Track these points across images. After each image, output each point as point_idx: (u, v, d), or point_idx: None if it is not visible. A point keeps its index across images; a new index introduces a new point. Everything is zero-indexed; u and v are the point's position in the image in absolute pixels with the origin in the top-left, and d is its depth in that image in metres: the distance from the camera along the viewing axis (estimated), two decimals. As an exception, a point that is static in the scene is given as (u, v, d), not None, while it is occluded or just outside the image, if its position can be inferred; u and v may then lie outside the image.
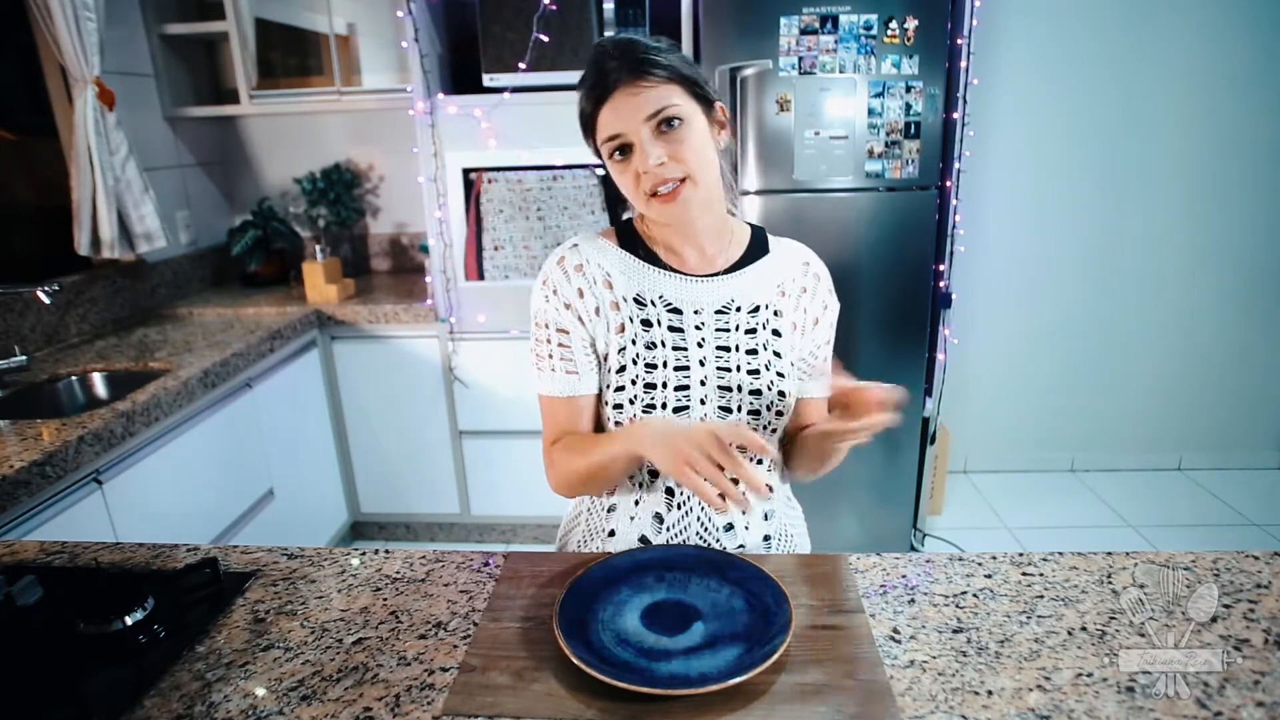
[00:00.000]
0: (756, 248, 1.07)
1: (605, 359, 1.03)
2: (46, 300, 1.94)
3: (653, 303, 1.02)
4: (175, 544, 1.05)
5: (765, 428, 1.03)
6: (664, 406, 1.00)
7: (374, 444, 2.65)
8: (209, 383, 1.90)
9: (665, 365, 1.01)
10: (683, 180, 0.93)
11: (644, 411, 1.00)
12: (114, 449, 1.59)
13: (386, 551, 1.01)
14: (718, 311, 1.03)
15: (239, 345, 2.06)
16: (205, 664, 0.80)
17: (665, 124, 0.92)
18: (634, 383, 1.01)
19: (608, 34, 0.97)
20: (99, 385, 2.00)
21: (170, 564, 0.99)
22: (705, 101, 0.96)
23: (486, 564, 0.97)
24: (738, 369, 1.02)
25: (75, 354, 2.08)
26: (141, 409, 1.65)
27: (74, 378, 1.98)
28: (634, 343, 1.01)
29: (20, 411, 1.80)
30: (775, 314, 1.05)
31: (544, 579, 0.93)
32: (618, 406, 1.02)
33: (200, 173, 2.84)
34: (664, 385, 1.00)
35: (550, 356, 1.04)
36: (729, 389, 1.01)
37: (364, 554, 1.01)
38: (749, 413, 1.01)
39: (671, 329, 1.02)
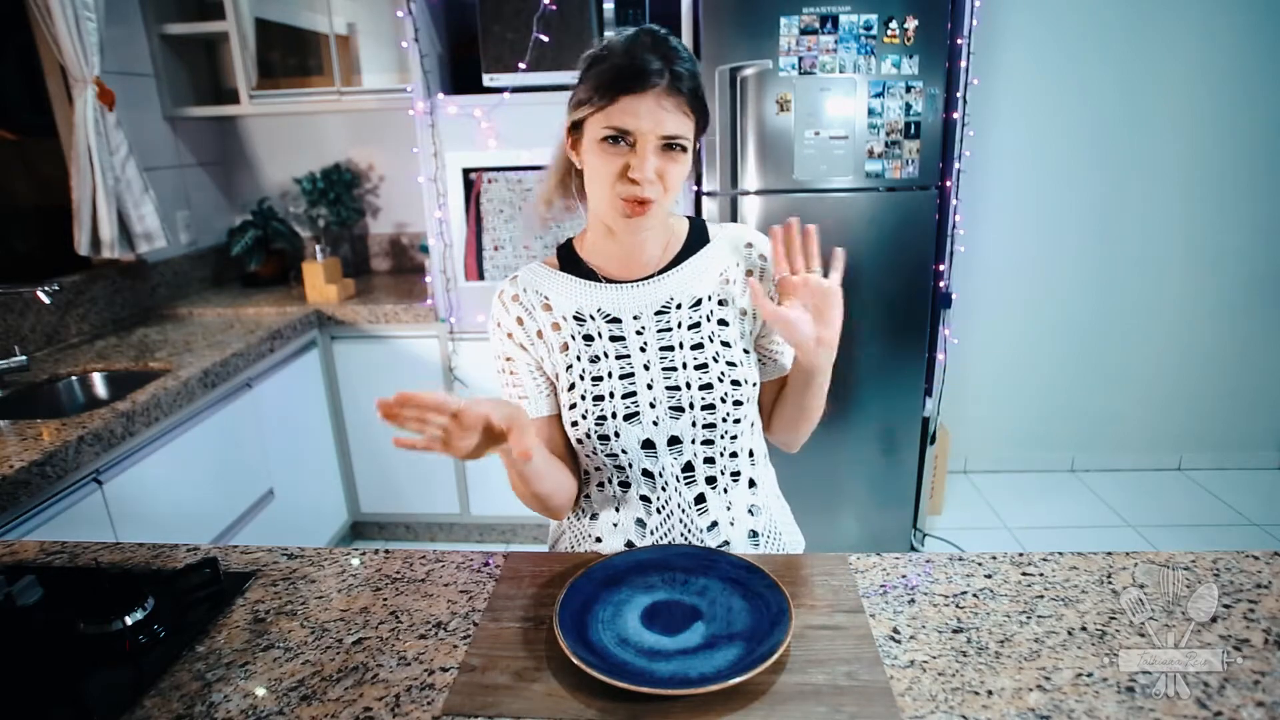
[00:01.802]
0: (695, 240, 1.06)
1: (557, 380, 1.04)
2: (46, 300, 1.94)
3: (591, 317, 1.03)
4: (175, 544, 1.05)
5: (726, 419, 1.02)
6: (614, 416, 1.00)
7: (374, 444, 2.65)
8: (209, 383, 1.90)
9: (610, 376, 1.01)
10: (652, 200, 0.93)
11: (596, 425, 1.00)
12: (114, 449, 1.59)
13: (386, 551, 1.01)
14: (657, 313, 1.03)
15: (239, 345, 2.06)
16: (205, 664, 0.80)
17: (669, 146, 0.92)
18: (583, 398, 1.01)
19: (645, 25, 0.95)
20: (99, 385, 2.00)
21: (170, 564, 0.99)
22: (700, 132, 0.97)
23: (486, 564, 0.97)
24: (684, 366, 1.01)
25: (75, 354, 2.08)
26: (141, 409, 1.65)
27: (74, 378, 1.98)
28: (579, 359, 1.02)
29: (20, 411, 1.80)
30: (720, 303, 1.04)
31: (544, 579, 0.93)
32: (573, 424, 1.02)
33: (200, 173, 2.84)
34: (611, 396, 1.00)
35: (506, 385, 1.06)
36: (677, 388, 1.01)
37: (364, 554, 1.01)
38: (703, 408, 1.01)
39: (613, 339, 1.02)
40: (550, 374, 1.05)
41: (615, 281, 1.04)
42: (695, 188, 2.28)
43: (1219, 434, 3.08)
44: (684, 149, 0.92)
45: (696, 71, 0.94)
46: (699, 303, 1.03)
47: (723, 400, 1.01)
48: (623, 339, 1.02)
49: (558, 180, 1.09)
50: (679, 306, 1.03)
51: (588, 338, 1.02)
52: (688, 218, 1.09)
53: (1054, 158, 2.82)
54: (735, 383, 1.02)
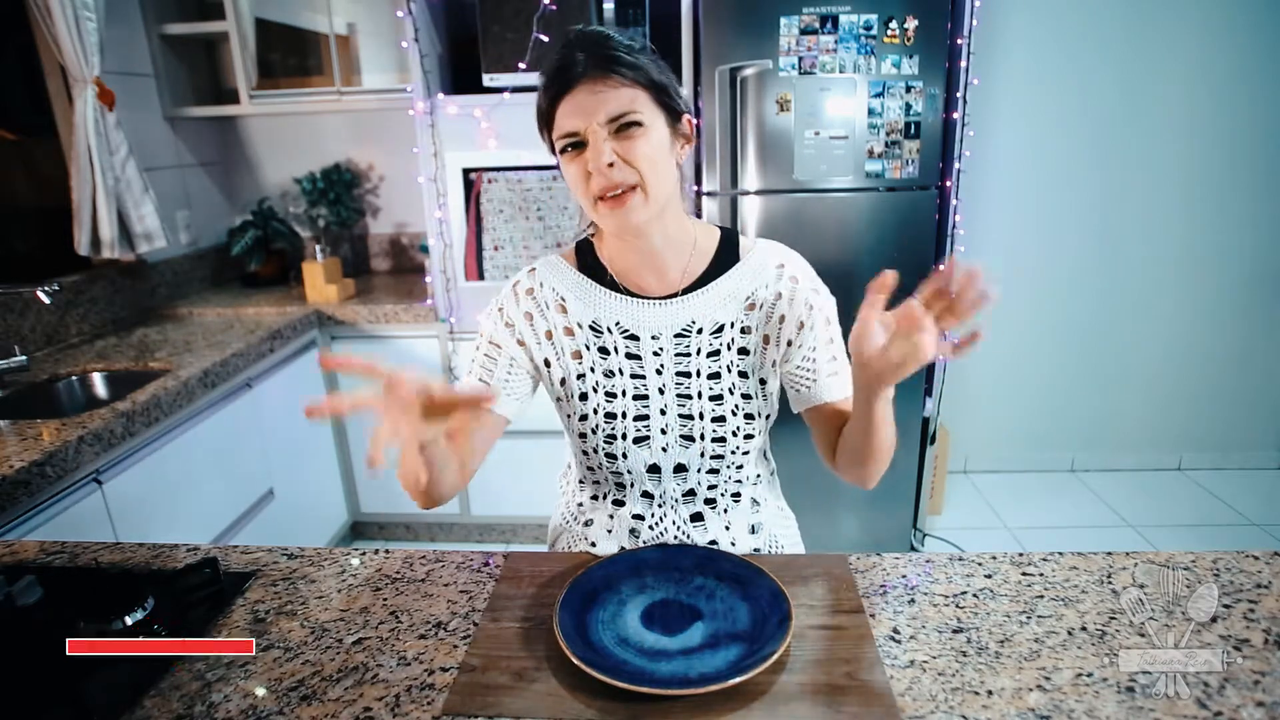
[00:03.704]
0: (724, 257, 1.00)
1: (564, 383, 1.01)
2: (46, 300, 1.94)
3: (609, 329, 0.98)
4: (175, 544, 1.05)
5: (735, 451, 0.99)
6: (624, 437, 0.99)
7: (374, 444, 2.65)
8: (209, 383, 1.90)
9: (624, 394, 0.98)
10: (633, 188, 0.87)
11: (605, 442, 0.98)
12: (114, 449, 1.59)
13: (386, 551, 1.01)
14: (677, 336, 0.98)
15: (239, 345, 2.06)
16: (205, 664, 0.80)
17: (622, 127, 0.86)
18: (595, 411, 0.99)
19: (577, 29, 0.93)
20: (99, 385, 2.00)
21: (170, 564, 0.99)
22: (672, 112, 0.91)
23: (486, 564, 0.97)
24: (699, 395, 0.98)
25: (75, 354, 2.08)
26: (141, 409, 1.65)
27: (74, 378, 1.97)
28: (592, 370, 0.98)
29: (20, 411, 1.80)
30: (742, 331, 0.98)
31: (544, 579, 0.93)
32: (582, 435, 1.01)
33: (200, 173, 2.84)
34: (624, 415, 0.98)
35: (473, 362, 1.01)
36: (690, 417, 0.98)
37: (364, 554, 1.00)
38: (713, 440, 0.98)
39: (629, 356, 0.98)
40: (554, 375, 1.01)
41: (636, 296, 0.99)
42: (695, 188, 2.28)
43: (1219, 434, 3.08)
44: (638, 124, 0.86)
45: (634, 45, 0.89)
46: (721, 329, 0.98)
47: (734, 434, 0.98)
48: (639, 358, 0.98)
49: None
50: (700, 331, 0.97)
51: (603, 350, 0.98)
52: (720, 228, 1.03)
53: (1054, 158, 2.82)
54: (749, 416, 0.99)
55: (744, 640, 0.79)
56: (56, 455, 1.43)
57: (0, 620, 0.88)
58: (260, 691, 0.75)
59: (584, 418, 1.00)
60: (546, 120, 0.91)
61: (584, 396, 1.00)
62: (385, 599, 0.90)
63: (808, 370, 0.99)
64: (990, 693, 0.71)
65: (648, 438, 0.98)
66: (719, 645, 0.79)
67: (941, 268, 0.77)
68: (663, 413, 0.98)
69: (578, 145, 0.88)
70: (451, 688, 0.75)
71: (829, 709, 0.70)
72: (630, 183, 0.87)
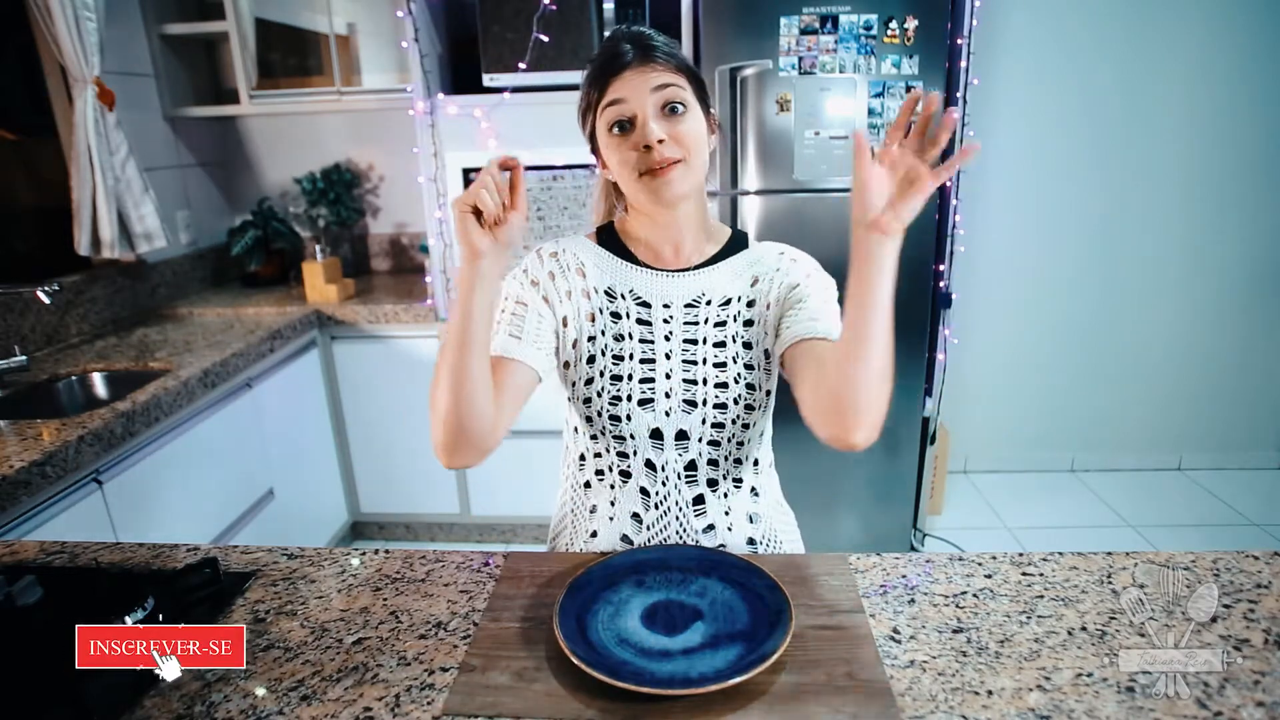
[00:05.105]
0: (734, 246, 1.08)
1: (575, 344, 1.04)
2: (46, 300, 1.94)
3: (622, 296, 1.04)
4: (175, 544, 1.05)
5: (735, 421, 1.02)
6: (629, 399, 1.02)
7: (374, 444, 2.65)
8: (209, 383, 1.90)
9: (631, 358, 1.02)
10: (675, 162, 0.94)
11: (610, 404, 1.01)
12: (114, 449, 1.59)
13: (386, 551, 1.01)
14: (687, 305, 1.04)
15: (239, 345, 2.06)
16: (205, 664, 0.80)
17: (669, 108, 0.94)
18: (602, 374, 1.02)
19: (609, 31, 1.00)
20: (99, 385, 2.00)
21: (170, 564, 0.99)
22: (704, 103, 0.99)
23: (486, 564, 0.97)
24: (703, 362, 1.02)
25: (75, 354, 2.08)
26: (141, 409, 1.65)
27: (74, 378, 1.98)
28: (603, 334, 1.03)
29: (20, 411, 1.80)
30: (749, 305, 1.05)
31: (544, 579, 0.93)
32: (587, 401, 1.03)
33: (200, 173, 2.84)
34: (629, 377, 1.02)
35: (497, 324, 1.00)
36: (694, 382, 1.02)
37: (364, 554, 1.01)
38: (715, 406, 1.02)
39: (640, 322, 1.03)
40: (568, 337, 1.03)
41: (652, 268, 1.05)
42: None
43: (1219, 434, 3.08)
44: (683, 105, 0.95)
45: (673, 45, 0.98)
46: (728, 302, 1.04)
47: (735, 402, 1.02)
48: (649, 324, 1.03)
49: (607, 206, 1.13)
50: (709, 303, 1.04)
51: (615, 315, 1.03)
52: (731, 228, 1.11)
53: (1054, 158, 2.82)
54: (750, 386, 1.02)
55: (744, 640, 0.79)
56: (56, 455, 1.43)
57: (0, 620, 0.88)
58: (260, 691, 0.75)
59: (590, 381, 1.03)
60: (595, 98, 0.97)
61: (591, 359, 1.03)
62: (385, 599, 0.90)
63: (793, 316, 0.99)
64: (990, 693, 0.71)
65: (652, 400, 1.02)
66: (719, 645, 0.79)
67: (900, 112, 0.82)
68: (668, 377, 1.02)
69: (624, 126, 0.95)
70: (451, 688, 0.75)
71: (829, 709, 0.70)
72: (675, 158, 0.94)
